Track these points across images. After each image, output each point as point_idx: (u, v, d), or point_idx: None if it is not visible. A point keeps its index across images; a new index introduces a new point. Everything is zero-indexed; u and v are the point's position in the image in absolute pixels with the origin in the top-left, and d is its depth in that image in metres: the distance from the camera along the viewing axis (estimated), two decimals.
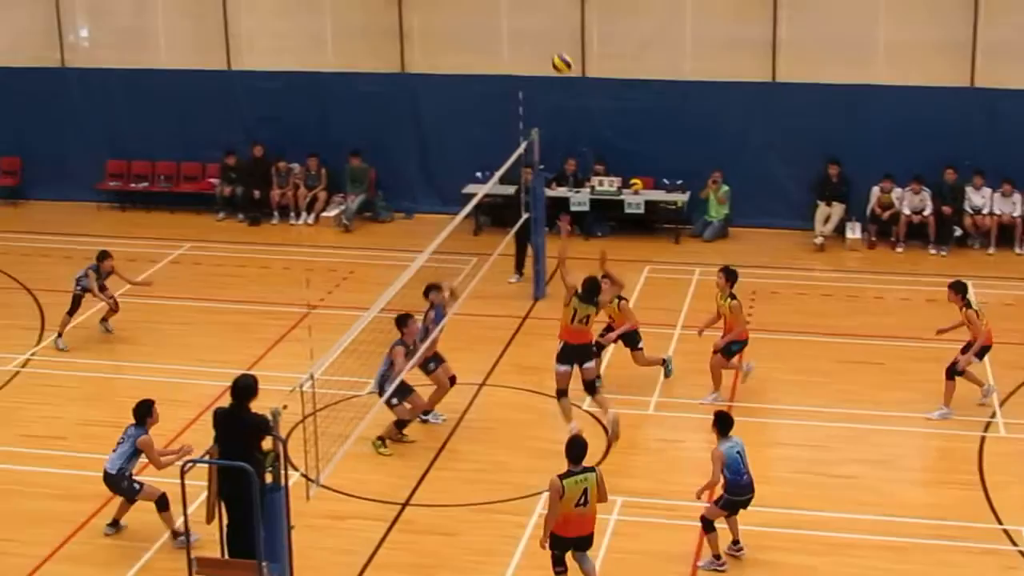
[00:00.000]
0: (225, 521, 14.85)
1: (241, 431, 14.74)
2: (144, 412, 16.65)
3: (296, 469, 17.00)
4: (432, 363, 19.76)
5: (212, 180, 30.39)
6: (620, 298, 20.81)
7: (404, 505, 17.65)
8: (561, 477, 14.83)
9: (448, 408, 20.23)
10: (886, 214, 27.54)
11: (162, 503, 16.52)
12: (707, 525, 16.06)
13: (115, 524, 16.95)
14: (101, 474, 16.56)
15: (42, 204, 31.16)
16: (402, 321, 19.16)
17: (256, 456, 14.30)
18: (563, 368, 19.29)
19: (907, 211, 27.41)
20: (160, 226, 29.06)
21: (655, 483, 18.11)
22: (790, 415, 20.11)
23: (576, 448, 14.97)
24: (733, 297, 20.27)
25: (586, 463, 14.88)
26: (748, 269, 26.00)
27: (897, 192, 27.55)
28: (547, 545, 15.10)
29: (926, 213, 27.35)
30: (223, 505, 14.89)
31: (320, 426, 16.74)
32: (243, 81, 30.33)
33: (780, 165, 28.23)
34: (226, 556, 14.58)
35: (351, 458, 17.34)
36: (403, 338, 19.11)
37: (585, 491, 14.88)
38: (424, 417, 19.87)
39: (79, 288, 22.80)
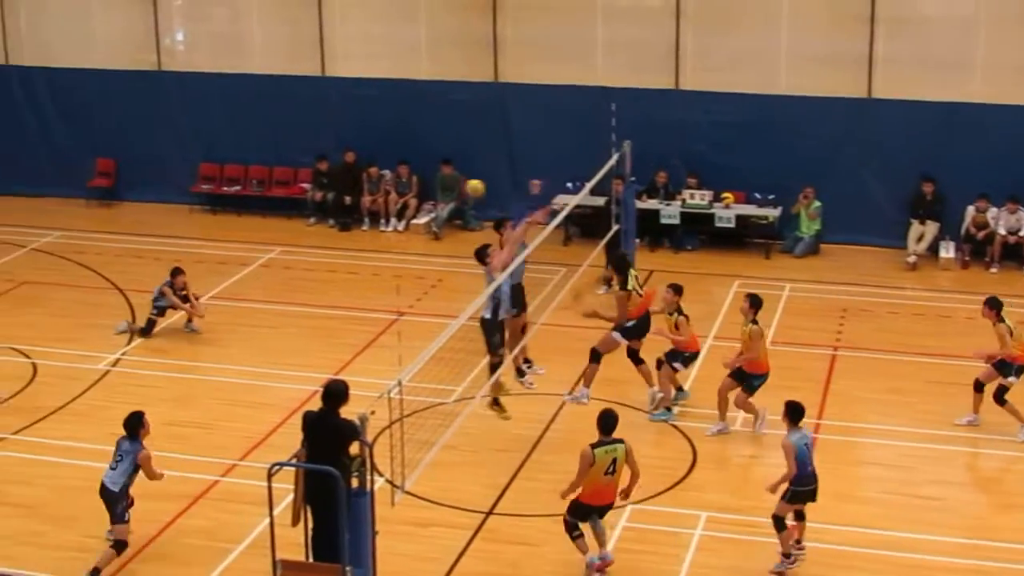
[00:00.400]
0: (310, 524, 14.91)
1: (330, 436, 14.79)
2: (136, 424, 16.37)
3: (381, 475, 17.04)
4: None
5: (304, 185, 30.58)
6: (681, 313, 20.52)
7: (488, 514, 17.66)
8: (592, 447, 15.83)
9: (534, 418, 20.25)
10: (981, 234, 27.28)
11: (123, 546, 16.24)
12: (779, 523, 16.16)
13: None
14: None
15: (135, 206, 31.49)
16: (483, 253, 19.67)
17: (343, 461, 14.35)
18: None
19: (1002, 231, 27.13)
20: (251, 230, 29.29)
21: (740, 499, 18.02)
22: (877, 434, 19.97)
23: (608, 419, 15.97)
24: (755, 323, 19.70)
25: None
26: (838, 286, 26.01)
27: (992, 212, 27.28)
28: (567, 498, 16.10)
29: (1022, 233, 27.05)
30: (308, 508, 14.95)
31: (406, 432, 16.83)
32: (337, 87, 30.51)
33: (873, 182, 28.02)
34: (310, 559, 14.63)
35: (436, 466, 17.35)
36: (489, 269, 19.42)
37: (614, 460, 15.87)
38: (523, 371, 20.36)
39: (156, 311, 23.07)
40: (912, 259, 27.29)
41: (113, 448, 16.48)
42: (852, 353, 22.69)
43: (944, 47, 27.74)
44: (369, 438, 14.28)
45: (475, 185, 23.20)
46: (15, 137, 32.21)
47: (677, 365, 20.33)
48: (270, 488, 13.80)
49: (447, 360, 18.98)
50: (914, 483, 18.31)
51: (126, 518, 16.35)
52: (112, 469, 16.35)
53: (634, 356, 20.59)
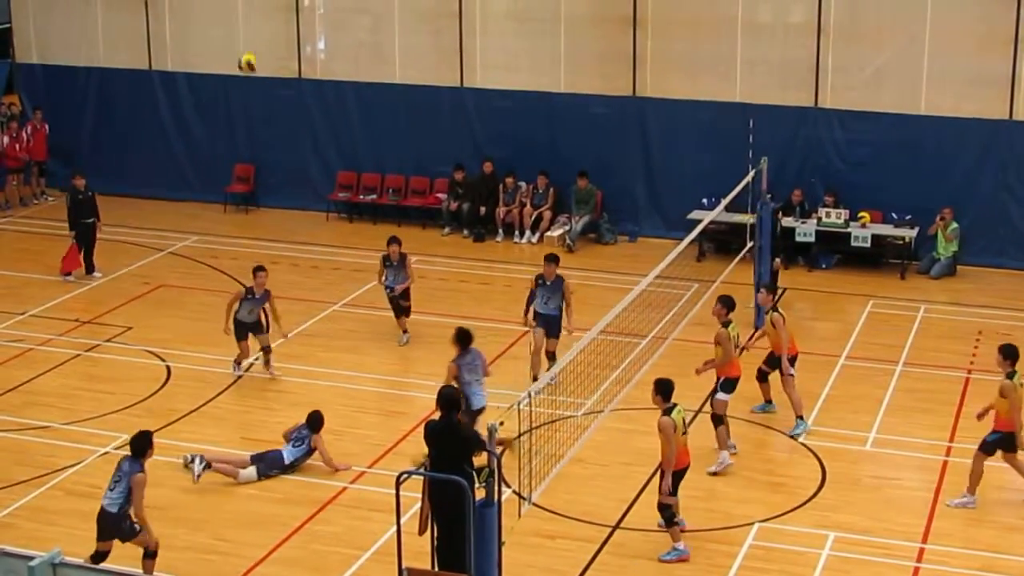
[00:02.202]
0: (436, 533, 14.97)
1: (457, 445, 14.84)
2: (144, 444, 15.99)
3: (509, 486, 17.07)
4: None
5: (439, 195, 30.74)
6: (775, 310, 20.83)
7: (615, 528, 17.63)
8: (664, 414, 16.66)
9: None
10: None
11: (152, 553, 16.04)
12: None
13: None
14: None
15: (272, 212, 31.84)
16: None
17: (467, 470, 14.38)
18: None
19: None
20: (386, 239, 29.43)
21: (870, 520, 17.82)
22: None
23: (669, 386, 16.88)
24: (726, 325, 19.65)
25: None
26: (974, 308, 25.67)
27: None
28: (665, 488, 16.68)
29: None
30: (435, 517, 15.00)
31: (535, 444, 16.85)
32: (475, 98, 30.66)
33: (1014, 204, 27.63)
34: (436, 569, 14.68)
35: (564, 478, 17.37)
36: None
37: (684, 420, 16.96)
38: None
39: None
40: None
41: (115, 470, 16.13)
42: (988, 376, 22.30)
43: None
44: (497, 449, 14.31)
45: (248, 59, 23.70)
46: (157, 141, 32.75)
47: (722, 395, 19.61)
48: (398, 496, 13.87)
49: (578, 373, 19.02)
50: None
51: (137, 529, 15.91)
52: (111, 491, 15.92)
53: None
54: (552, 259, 22.25)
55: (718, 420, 19.43)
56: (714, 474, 19.04)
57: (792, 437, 20.46)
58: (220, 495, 18.41)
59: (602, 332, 18.45)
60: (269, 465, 18.80)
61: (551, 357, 21.88)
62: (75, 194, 26.97)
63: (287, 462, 18.88)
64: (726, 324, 19.57)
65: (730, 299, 19.92)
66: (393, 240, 23.84)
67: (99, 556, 15.99)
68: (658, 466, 17.01)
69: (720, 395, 19.46)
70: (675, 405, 16.79)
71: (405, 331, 23.65)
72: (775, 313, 20.62)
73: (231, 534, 17.43)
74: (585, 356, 18.68)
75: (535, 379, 21.15)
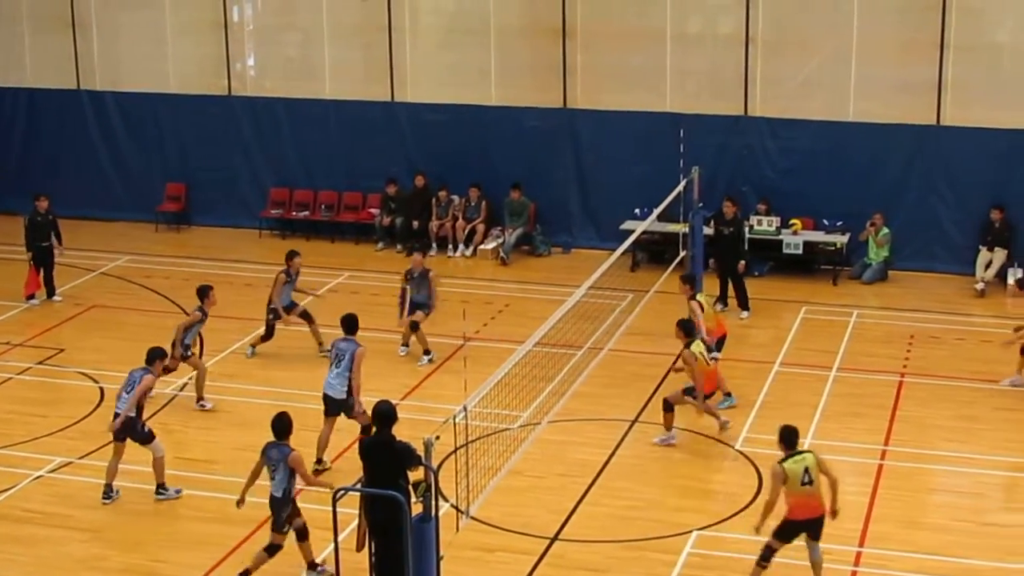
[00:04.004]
0: (374, 549, 14.92)
1: (391, 460, 14.81)
2: (286, 427, 16.49)
3: (447, 500, 17.03)
4: None
5: (372, 210, 30.70)
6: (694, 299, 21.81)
7: (553, 539, 17.62)
8: (780, 462, 15.65)
9: (599, 444, 20.23)
10: None
11: (275, 550, 16.32)
12: None
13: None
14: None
15: (205, 230, 31.72)
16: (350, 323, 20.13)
17: (403, 485, 14.36)
18: None
19: None
20: (319, 254, 29.37)
21: None
22: (947, 461, 19.83)
23: (789, 433, 15.84)
24: (688, 346, 20.10)
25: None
26: (906, 312, 25.88)
27: None
28: (759, 529, 15.91)
29: None
30: (372, 534, 14.96)
31: (471, 458, 16.82)
32: (407, 112, 30.65)
33: (942, 209, 27.86)
34: None
35: (502, 491, 17.34)
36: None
37: (806, 469, 15.59)
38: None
39: (272, 316, 23.43)
40: (980, 286, 27.09)
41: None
42: (920, 380, 22.53)
43: (1015, 74, 27.61)
44: (434, 463, 14.28)
45: None
46: (86, 161, 32.55)
47: (689, 397, 20.26)
48: (335, 513, 13.80)
49: (513, 386, 18.99)
50: (986, 511, 18.11)
51: (284, 529, 16.29)
52: (272, 480, 16.35)
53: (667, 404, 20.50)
54: (418, 249, 23.62)
55: (668, 406, 20.05)
56: (658, 443, 20.08)
57: (725, 408, 21.07)
58: (155, 516, 18.27)
59: (537, 344, 18.44)
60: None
61: (414, 327, 23.25)
62: (34, 216, 26.67)
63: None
64: (688, 344, 19.90)
65: (687, 323, 20.31)
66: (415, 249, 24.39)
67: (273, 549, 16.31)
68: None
69: (688, 396, 20.12)
70: (798, 453, 15.84)
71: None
72: (693, 301, 21.44)
73: (167, 555, 17.29)
74: (520, 368, 18.66)
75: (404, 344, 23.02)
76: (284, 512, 16.21)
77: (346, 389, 19.32)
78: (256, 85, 32.07)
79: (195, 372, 21.92)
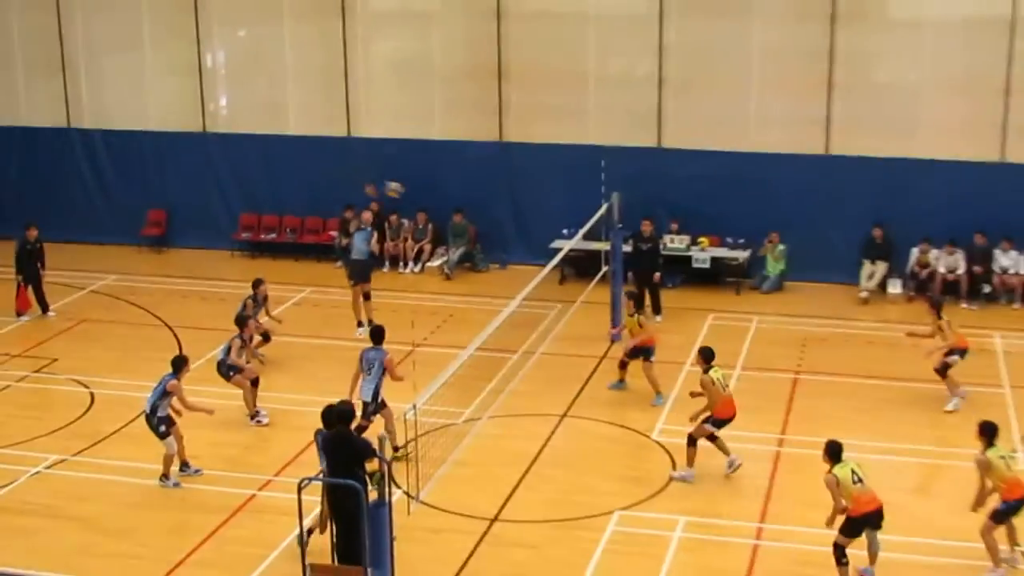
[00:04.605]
0: (335, 532, 14.93)
1: (349, 453, 14.83)
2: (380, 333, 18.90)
3: (399, 487, 17.06)
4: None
5: (332, 233, 30.62)
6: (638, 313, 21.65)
7: (493, 521, 17.67)
8: (829, 471, 15.71)
9: (533, 436, 20.27)
10: (924, 272, 27.30)
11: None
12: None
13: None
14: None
15: (183, 251, 31.52)
16: (379, 334, 19.79)
17: (360, 474, 14.38)
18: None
19: (942, 270, 27.16)
20: (285, 272, 29.28)
21: (715, 505, 18.05)
22: None
23: (833, 447, 15.86)
24: (706, 372, 18.91)
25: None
26: (800, 318, 26.07)
27: (934, 253, 27.31)
28: (832, 525, 15.85)
29: (959, 272, 27.08)
30: (333, 518, 14.97)
31: (421, 450, 16.86)
32: (361, 146, 30.59)
33: (831, 228, 28.03)
34: (336, 563, 14.65)
35: (447, 479, 17.38)
36: (380, 347, 19.59)
37: (852, 471, 15.67)
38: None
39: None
40: (864, 295, 27.30)
41: None
42: (812, 377, 22.71)
43: (893, 110, 27.77)
44: (388, 455, 14.31)
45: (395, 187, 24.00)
46: (76, 191, 32.30)
47: (707, 425, 18.88)
48: (300, 501, 13.82)
49: (457, 386, 18.99)
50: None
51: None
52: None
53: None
54: (366, 208, 23.13)
55: (691, 440, 18.74)
56: (679, 479, 18.77)
57: (655, 404, 21.22)
58: (142, 507, 18.17)
59: (478, 349, 18.51)
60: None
61: (367, 296, 23.87)
62: (24, 244, 26.38)
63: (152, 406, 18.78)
64: (707, 370, 18.83)
65: (708, 350, 19.12)
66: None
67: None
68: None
69: (706, 425, 18.75)
70: (840, 462, 15.76)
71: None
72: (640, 315, 21.53)
73: (153, 541, 17.22)
74: (464, 370, 18.63)
75: (360, 324, 22.17)
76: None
77: (372, 395, 19.17)
78: (228, 123, 31.92)
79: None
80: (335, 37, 30.35)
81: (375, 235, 23.86)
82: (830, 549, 16.17)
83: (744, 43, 28.25)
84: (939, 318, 21.48)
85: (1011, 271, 26.99)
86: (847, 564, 15.60)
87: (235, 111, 32.16)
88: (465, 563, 16.58)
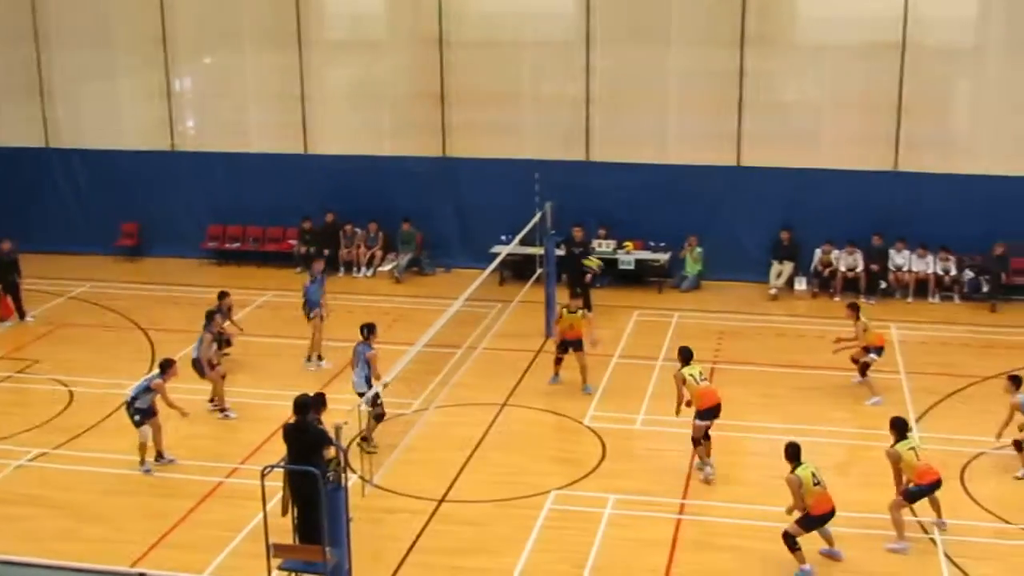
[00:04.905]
0: (296, 514, 14.79)
1: (309, 442, 14.69)
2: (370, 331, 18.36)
3: (355, 472, 16.93)
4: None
5: (292, 241, 30.41)
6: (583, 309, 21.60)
7: (441, 501, 17.57)
8: (792, 472, 15.50)
9: (476, 423, 20.19)
10: (826, 271, 27.45)
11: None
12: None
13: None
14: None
15: (155, 260, 31.13)
16: (370, 329, 19.21)
17: (318, 462, 14.25)
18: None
19: (843, 268, 27.31)
20: (249, 278, 29.01)
21: (641, 483, 18.02)
22: (754, 431, 19.99)
23: (793, 448, 15.67)
24: (680, 369, 18.59)
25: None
26: (716, 314, 26.12)
27: (835, 253, 27.46)
28: (791, 515, 15.66)
29: (858, 270, 27.25)
30: (294, 501, 14.82)
31: (374, 438, 16.74)
32: (318, 163, 30.38)
33: (743, 232, 28.13)
34: (297, 543, 14.51)
35: (399, 463, 17.31)
36: (369, 342, 19.06)
37: (813, 473, 15.47)
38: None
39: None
40: (773, 292, 27.41)
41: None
42: (728, 366, 22.76)
43: (797, 125, 27.95)
44: (344, 443, 14.19)
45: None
46: (55, 206, 31.81)
47: (697, 421, 18.29)
48: (263, 486, 13.67)
49: (407, 379, 18.96)
50: (784, 468, 18.07)
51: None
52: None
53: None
54: (319, 255, 22.70)
55: (695, 442, 18.26)
56: (704, 481, 18.14)
57: (586, 393, 21.17)
58: (119, 495, 17.93)
59: (425, 345, 18.47)
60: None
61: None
62: (0, 256, 26.06)
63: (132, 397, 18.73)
64: (681, 367, 18.49)
65: (685, 349, 18.81)
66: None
67: None
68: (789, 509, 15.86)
69: (696, 421, 18.19)
70: (801, 464, 15.56)
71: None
72: (569, 313, 21.30)
73: (129, 525, 16.99)
74: (413, 365, 18.65)
75: (309, 359, 22.56)
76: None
77: (366, 384, 18.79)
78: (195, 142, 31.59)
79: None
80: (292, 64, 30.13)
81: (325, 282, 23.46)
82: (743, 520, 16.23)
83: (663, 66, 28.28)
84: (858, 320, 21.40)
85: (904, 269, 27.19)
86: (800, 549, 15.41)
87: (202, 131, 31.82)
88: (416, 540, 16.47)
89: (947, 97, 28.05)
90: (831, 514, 15.61)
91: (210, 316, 21.52)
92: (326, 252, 29.58)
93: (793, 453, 15.70)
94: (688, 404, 18.41)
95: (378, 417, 18.93)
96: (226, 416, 20.73)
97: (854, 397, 21.10)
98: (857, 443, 19.61)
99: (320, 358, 22.91)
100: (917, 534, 16.38)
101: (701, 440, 18.27)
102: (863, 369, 21.36)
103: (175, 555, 16.22)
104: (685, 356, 18.67)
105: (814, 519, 15.52)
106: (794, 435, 18.60)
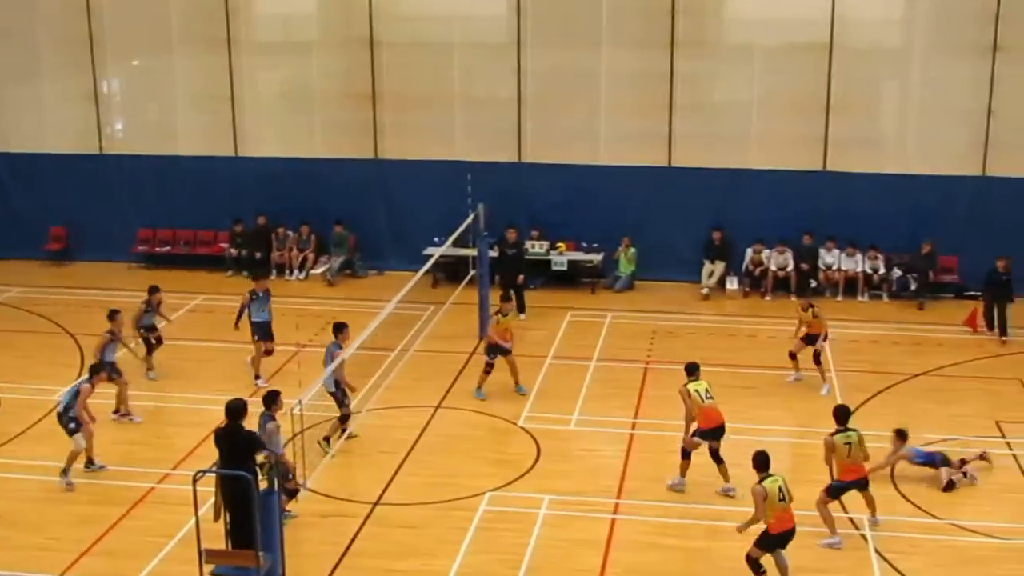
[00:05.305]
0: (228, 519, 14.68)
1: (240, 446, 14.59)
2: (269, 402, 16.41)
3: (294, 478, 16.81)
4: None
5: (222, 244, 30.19)
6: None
7: (375, 504, 17.51)
8: (759, 483, 14.87)
9: (411, 426, 20.14)
10: (757, 270, 27.70)
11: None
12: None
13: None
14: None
15: (84, 264, 30.77)
16: (339, 328, 19.01)
17: (251, 466, 14.16)
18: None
19: (774, 267, 27.57)
20: (180, 282, 28.72)
21: (576, 484, 18.05)
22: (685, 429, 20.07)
23: (762, 457, 14.89)
24: (685, 384, 17.81)
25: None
26: (649, 314, 26.24)
27: (766, 253, 27.72)
28: (743, 532, 15.14)
29: (788, 269, 27.52)
30: (226, 506, 14.71)
31: (307, 442, 16.69)
32: (249, 165, 30.19)
33: (675, 232, 28.28)
34: (230, 548, 14.41)
35: (332, 467, 17.24)
36: (338, 342, 18.95)
37: (780, 488, 14.86)
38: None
39: (143, 329, 22.50)
40: (705, 291, 27.60)
41: None
42: (661, 366, 22.87)
43: (728, 126, 28.13)
44: (280, 446, 14.11)
45: None
46: None
47: (696, 438, 17.67)
48: (195, 491, 13.57)
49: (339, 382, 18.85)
50: (715, 467, 18.37)
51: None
52: None
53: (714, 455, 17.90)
54: (263, 275, 22.32)
55: (684, 453, 17.68)
56: (669, 487, 17.78)
57: (520, 393, 21.15)
58: (51, 502, 17.68)
59: (359, 348, 18.40)
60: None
61: (270, 352, 22.01)
62: None
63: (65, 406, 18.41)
64: (687, 383, 17.69)
65: (692, 365, 18.04)
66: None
67: None
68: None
69: (693, 437, 17.58)
70: (771, 475, 14.96)
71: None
72: (498, 315, 21.21)
73: (61, 532, 16.77)
74: (347, 367, 18.59)
75: (258, 377, 21.29)
76: None
77: (334, 384, 18.69)
78: (123, 145, 31.26)
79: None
80: (222, 66, 29.90)
81: (271, 298, 22.85)
82: (677, 520, 16.33)
83: (594, 68, 28.39)
84: (811, 307, 21.82)
85: (834, 268, 27.49)
86: (765, 572, 14.96)
87: (130, 134, 31.50)
88: (350, 544, 16.40)
89: (874, 98, 28.43)
90: (791, 533, 15.00)
91: (112, 315, 21.09)
92: (258, 255, 29.47)
93: (762, 462, 15.06)
94: (692, 420, 17.66)
95: (343, 418, 18.92)
96: (131, 420, 20.61)
97: (785, 395, 21.30)
98: (789, 440, 19.79)
99: (258, 376, 22.21)
100: (849, 530, 16.57)
101: (689, 454, 17.65)
102: (816, 357, 21.65)
103: (106, 562, 16.03)
104: (690, 370, 17.88)
105: (773, 538, 14.94)
106: (726, 433, 18.78)
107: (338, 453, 17.61)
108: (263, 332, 22.10)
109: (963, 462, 18.21)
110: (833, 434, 16.30)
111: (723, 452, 17.74)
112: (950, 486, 17.78)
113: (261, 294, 22.32)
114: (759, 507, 14.89)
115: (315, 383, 16.85)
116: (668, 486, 17.80)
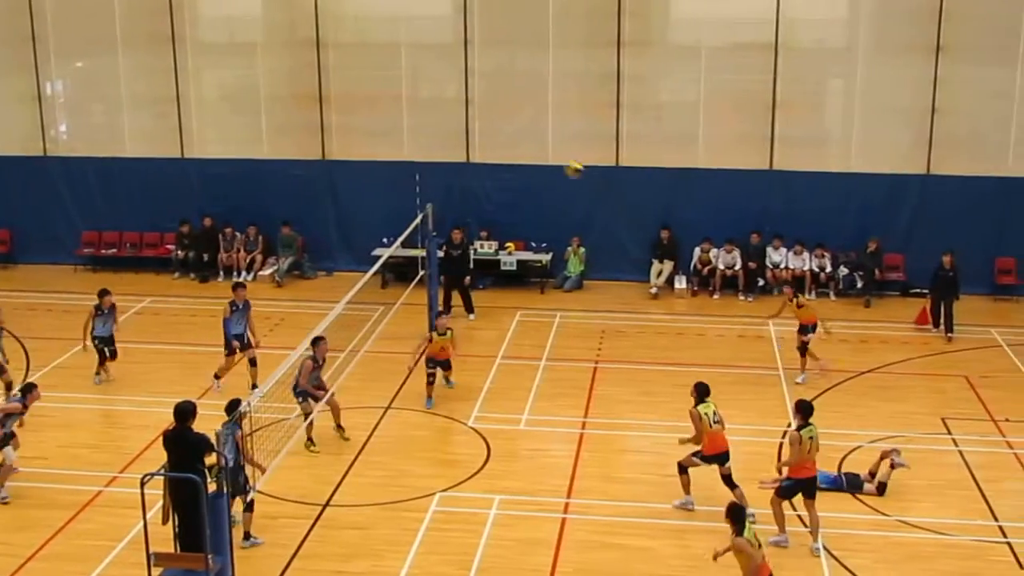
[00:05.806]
0: (177, 522, 14.58)
1: (188, 448, 14.50)
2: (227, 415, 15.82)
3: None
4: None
5: (169, 246, 29.98)
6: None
7: (325, 506, 17.46)
8: (797, 429, 16.10)
9: (360, 426, 20.11)
10: (705, 269, 27.85)
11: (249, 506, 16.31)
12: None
13: None
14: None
15: (28, 267, 30.49)
16: (315, 341, 18.92)
17: (200, 469, 14.07)
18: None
19: (722, 266, 27.73)
20: (126, 284, 28.47)
21: (526, 484, 18.09)
22: (634, 428, 20.18)
23: (736, 511, 14.42)
24: (695, 407, 17.19)
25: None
26: (598, 313, 26.32)
27: (714, 252, 27.87)
28: (683, 443, 17.11)
29: (736, 268, 27.69)
30: (175, 509, 14.61)
31: (256, 443, 16.59)
32: (195, 167, 30.01)
33: (624, 231, 28.41)
34: (178, 551, 14.30)
35: (281, 469, 17.16)
36: (314, 354, 18.91)
37: (713, 412, 16.90)
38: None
39: (97, 340, 22.18)
40: (654, 290, 27.72)
41: None
42: (610, 365, 22.95)
43: (675, 125, 28.29)
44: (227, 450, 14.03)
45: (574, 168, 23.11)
46: None
47: (695, 459, 17.23)
48: (143, 495, 13.47)
49: (288, 384, 18.78)
50: (665, 465, 18.33)
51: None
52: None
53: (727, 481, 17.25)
54: (241, 286, 22.16)
55: (681, 467, 17.28)
56: (677, 507, 17.33)
57: (449, 387, 21.40)
58: None
59: (308, 349, 18.30)
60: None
61: (253, 363, 21.66)
62: None
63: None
64: (697, 404, 17.06)
65: (702, 386, 17.28)
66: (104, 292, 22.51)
67: None
68: None
69: (694, 458, 17.13)
70: (808, 425, 15.93)
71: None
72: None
73: (4, 538, 16.58)
74: (294, 370, 18.51)
75: (217, 377, 21.60)
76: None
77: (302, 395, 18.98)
78: (67, 147, 30.98)
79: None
80: (167, 67, 29.69)
81: (251, 309, 22.51)
82: (627, 518, 16.38)
83: (541, 68, 28.43)
84: (796, 298, 22.21)
85: (782, 266, 27.67)
86: (687, 475, 16.73)
87: (74, 136, 31.22)
88: (300, 546, 16.35)
89: (820, 97, 28.71)
90: (725, 455, 16.77)
91: None
92: (205, 257, 29.30)
93: (701, 391, 16.93)
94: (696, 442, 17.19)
95: (307, 415, 18.97)
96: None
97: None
98: (737, 439, 19.78)
99: (217, 377, 21.90)
100: (798, 528, 16.68)
101: (687, 469, 17.29)
102: (802, 348, 21.93)
103: (53, 567, 15.89)
104: (701, 392, 17.18)
105: (708, 457, 16.79)
106: (674, 432, 18.78)
107: (287, 455, 17.50)
108: (242, 343, 21.79)
109: (872, 474, 18.02)
110: (798, 428, 16.31)
111: (671, 448, 17.79)
112: (882, 488, 17.85)
113: (241, 305, 21.97)
114: (696, 427, 16.78)
115: (264, 385, 16.75)
116: (674, 506, 17.32)
